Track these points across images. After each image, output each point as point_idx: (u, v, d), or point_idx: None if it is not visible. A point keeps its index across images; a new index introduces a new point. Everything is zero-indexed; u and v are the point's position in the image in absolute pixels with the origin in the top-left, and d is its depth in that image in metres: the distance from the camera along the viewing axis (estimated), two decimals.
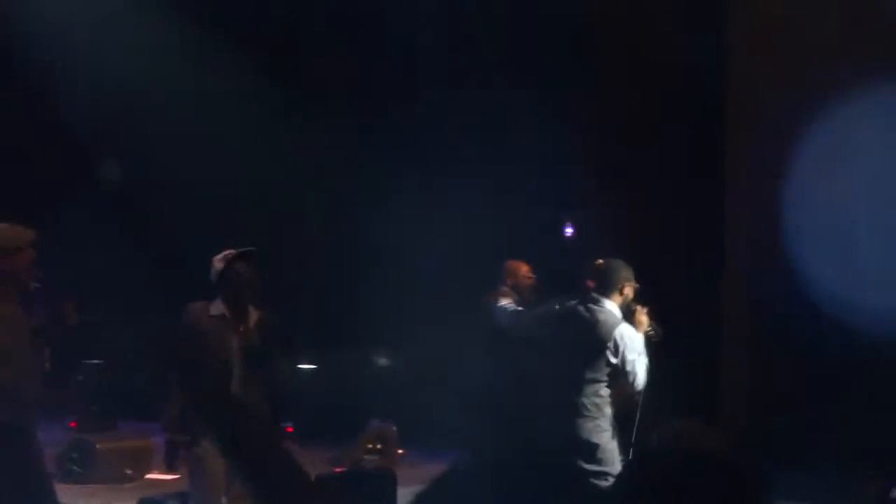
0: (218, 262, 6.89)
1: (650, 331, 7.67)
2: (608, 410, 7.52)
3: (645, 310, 7.66)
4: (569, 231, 15.18)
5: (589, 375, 7.50)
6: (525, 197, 14.57)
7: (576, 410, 7.46)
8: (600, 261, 8.29)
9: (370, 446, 12.44)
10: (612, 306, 7.57)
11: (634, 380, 7.48)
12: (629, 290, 7.64)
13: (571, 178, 14.20)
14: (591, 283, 7.85)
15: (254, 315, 6.88)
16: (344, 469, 10.96)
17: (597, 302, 7.59)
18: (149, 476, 11.40)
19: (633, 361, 7.47)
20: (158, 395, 6.85)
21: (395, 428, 12.68)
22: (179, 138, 15.11)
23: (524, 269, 9.11)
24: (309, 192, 15.99)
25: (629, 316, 7.63)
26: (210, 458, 6.59)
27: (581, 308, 7.63)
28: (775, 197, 12.31)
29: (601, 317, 7.53)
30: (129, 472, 11.18)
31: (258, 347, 6.85)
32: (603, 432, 7.46)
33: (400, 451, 12.72)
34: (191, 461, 6.80)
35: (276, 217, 15.73)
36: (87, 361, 14.74)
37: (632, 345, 7.51)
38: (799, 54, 12.47)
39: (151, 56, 14.93)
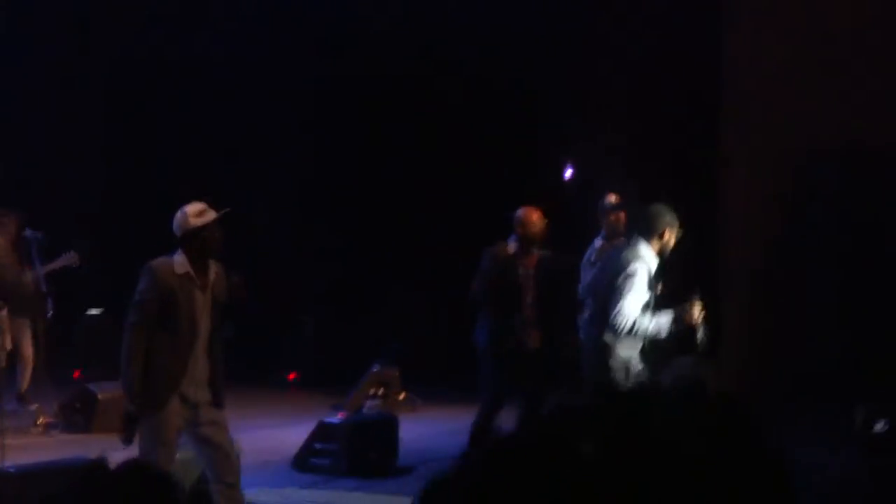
0: (194, 217, 6.62)
1: (698, 332, 7.70)
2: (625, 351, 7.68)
3: (698, 305, 7.68)
4: (568, 173, 15.12)
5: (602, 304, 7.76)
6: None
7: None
8: (612, 197, 8.37)
9: (372, 391, 12.46)
10: (645, 249, 7.66)
11: (619, 313, 7.55)
12: (669, 235, 7.72)
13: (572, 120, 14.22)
14: (612, 198, 8.12)
15: (213, 269, 6.74)
16: (346, 414, 10.96)
17: (632, 243, 7.78)
18: None
19: (624, 292, 7.54)
20: (125, 362, 6.63)
21: (397, 372, 12.69)
22: None
23: (536, 215, 9.03)
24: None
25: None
26: (167, 429, 6.55)
27: (614, 250, 8.05)
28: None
29: (623, 253, 7.74)
30: None
31: (221, 303, 6.73)
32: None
33: (402, 396, 12.74)
34: (145, 429, 6.59)
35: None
36: (90, 311, 14.76)
37: (634, 286, 7.57)
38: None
39: None
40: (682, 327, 7.63)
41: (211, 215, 6.65)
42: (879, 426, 7.41)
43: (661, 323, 7.59)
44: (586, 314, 8.62)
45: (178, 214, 6.68)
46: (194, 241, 6.61)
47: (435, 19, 14.50)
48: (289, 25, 15.29)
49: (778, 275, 12.72)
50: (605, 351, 7.71)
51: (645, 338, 7.65)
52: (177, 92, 15.77)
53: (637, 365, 7.70)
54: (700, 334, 7.72)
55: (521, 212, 9.05)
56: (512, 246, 9.04)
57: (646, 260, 7.66)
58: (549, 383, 9.02)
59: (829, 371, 12.02)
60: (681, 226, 7.79)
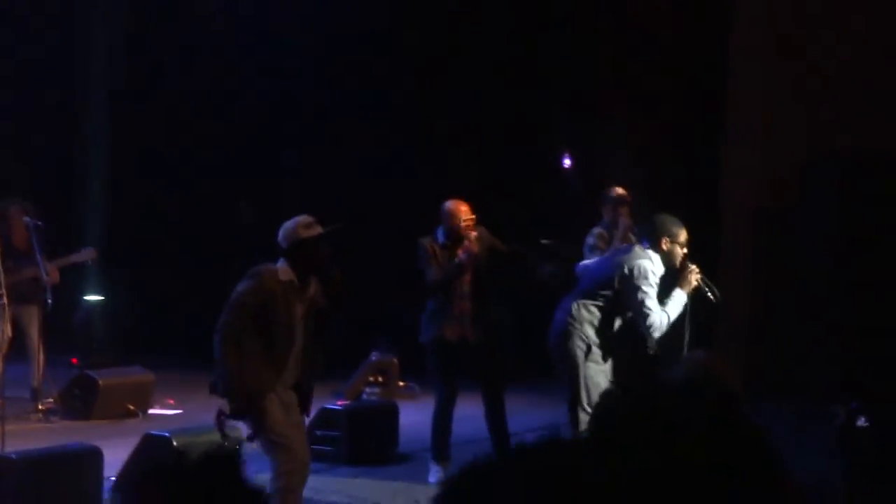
0: (303, 228, 6.75)
1: (706, 291, 8.05)
2: (587, 327, 8.05)
3: (695, 270, 7.97)
4: (567, 163, 15.12)
5: (591, 291, 8.15)
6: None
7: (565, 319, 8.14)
8: (620, 189, 8.51)
9: (371, 379, 12.47)
10: (652, 253, 8.01)
11: (640, 310, 7.88)
12: (669, 246, 7.99)
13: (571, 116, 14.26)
14: (619, 190, 8.27)
15: (313, 282, 6.88)
16: (346, 402, 10.98)
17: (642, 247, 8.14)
18: (151, 411, 11.45)
19: (640, 290, 7.85)
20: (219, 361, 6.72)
21: (396, 360, 12.70)
22: None
23: (463, 208, 8.96)
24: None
25: (678, 274, 8.02)
26: (273, 420, 6.67)
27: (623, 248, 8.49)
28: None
29: (624, 252, 8.20)
30: (131, 407, 11.21)
31: (320, 314, 6.88)
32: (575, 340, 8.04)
33: (401, 384, 12.75)
34: (253, 428, 6.74)
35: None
36: (88, 298, 14.75)
37: (641, 275, 7.86)
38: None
39: None
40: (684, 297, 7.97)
41: (318, 229, 6.73)
42: (860, 422, 7.47)
43: (671, 311, 7.92)
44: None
45: (289, 224, 6.82)
46: (300, 252, 6.74)
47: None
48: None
49: (776, 272, 12.83)
50: (578, 341, 8.07)
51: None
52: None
53: (595, 344, 8.06)
54: (708, 292, 8.05)
55: (449, 204, 8.98)
56: (440, 238, 8.98)
57: (653, 261, 7.94)
58: (494, 372, 9.06)
59: (820, 371, 12.14)
60: (687, 239, 8.05)
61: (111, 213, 16.01)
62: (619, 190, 10.08)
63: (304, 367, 6.87)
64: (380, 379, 12.51)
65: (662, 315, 7.87)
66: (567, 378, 8.15)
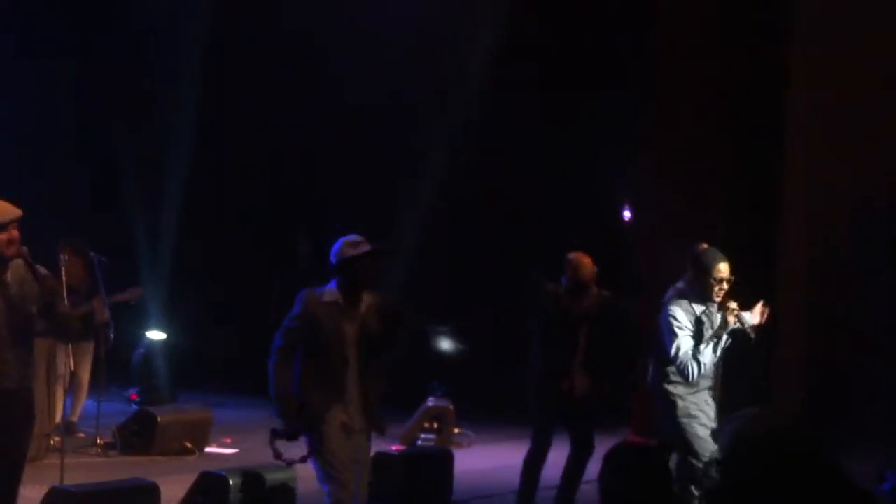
0: (349, 248, 6.78)
1: (744, 327, 7.88)
2: (668, 387, 7.95)
3: (731, 308, 7.83)
4: (627, 215, 15.13)
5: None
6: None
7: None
8: (704, 245, 8.53)
9: (426, 425, 12.48)
10: (688, 291, 7.95)
11: (674, 354, 7.83)
12: (703, 281, 7.91)
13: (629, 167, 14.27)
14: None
15: (366, 300, 6.87)
16: (401, 447, 10.99)
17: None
18: (208, 449, 11.51)
19: (668, 336, 7.83)
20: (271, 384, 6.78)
21: (451, 406, 12.69)
22: None
23: (586, 260, 9.03)
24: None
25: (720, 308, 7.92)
26: (333, 438, 6.68)
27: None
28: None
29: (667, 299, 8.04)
30: (188, 444, 11.28)
31: (373, 334, 6.85)
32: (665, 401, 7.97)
33: (456, 430, 12.74)
34: (310, 450, 6.77)
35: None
36: (149, 334, 14.90)
37: (667, 323, 7.86)
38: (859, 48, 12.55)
39: None
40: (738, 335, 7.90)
41: (365, 247, 6.77)
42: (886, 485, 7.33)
43: (705, 354, 7.82)
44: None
45: (337, 244, 6.85)
46: (347, 270, 6.76)
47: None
48: None
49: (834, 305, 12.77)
50: (666, 399, 7.99)
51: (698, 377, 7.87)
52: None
53: (697, 411, 7.92)
54: (746, 327, 7.91)
55: (573, 255, 9.02)
56: (564, 288, 9.00)
57: (682, 301, 7.89)
58: (592, 426, 9.03)
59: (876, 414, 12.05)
60: (731, 272, 7.94)
61: (175, 251, 16.17)
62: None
63: (365, 389, 6.85)
64: (435, 425, 12.51)
65: (687, 357, 7.79)
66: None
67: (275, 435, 6.80)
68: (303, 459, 6.88)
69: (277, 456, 6.87)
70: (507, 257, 14.65)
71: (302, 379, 6.73)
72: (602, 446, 9.36)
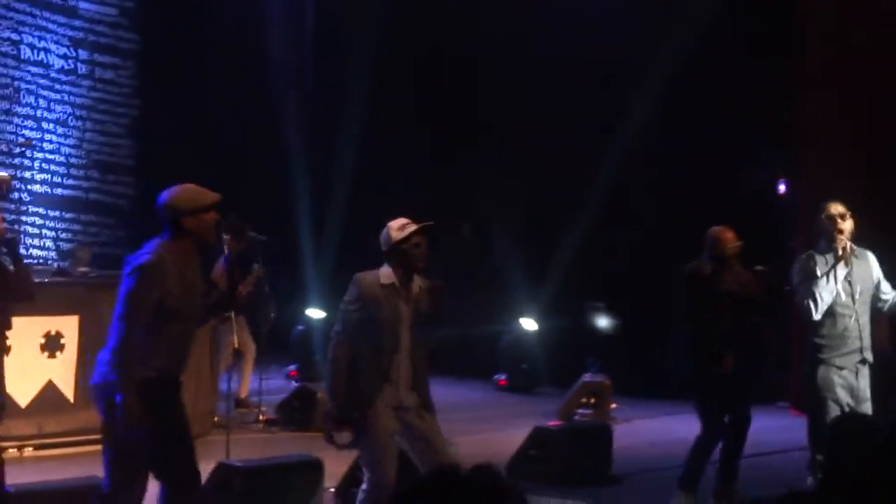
0: (395, 230, 6.79)
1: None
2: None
3: (841, 243, 8.10)
4: (782, 188, 14.87)
5: None
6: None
7: None
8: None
9: (584, 400, 12.45)
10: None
11: (796, 294, 8.21)
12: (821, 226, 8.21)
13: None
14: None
15: (417, 282, 6.86)
16: (559, 423, 10.98)
17: None
18: None
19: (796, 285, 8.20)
20: (328, 367, 6.83)
21: (608, 382, 12.64)
22: None
23: (729, 235, 8.76)
24: None
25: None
26: (375, 430, 6.65)
27: None
28: None
29: None
30: None
31: (425, 314, 6.84)
32: None
33: (613, 406, 12.68)
34: (357, 432, 6.71)
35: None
36: (308, 312, 15.13)
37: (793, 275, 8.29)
38: None
39: None
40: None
41: (411, 228, 6.79)
42: None
43: (821, 286, 8.08)
44: None
45: (384, 229, 6.87)
46: (397, 254, 6.78)
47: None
48: None
49: None
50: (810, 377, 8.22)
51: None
52: None
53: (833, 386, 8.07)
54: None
55: (713, 231, 8.79)
56: (707, 266, 8.77)
57: (816, 253, 8.21)
58: (747, 401, 8.87)
59: None
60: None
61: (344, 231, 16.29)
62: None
63: (416, 368, 6.80)
64: (592, 400, 12.47)
65: (807, 293, 8.09)
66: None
67: (328, 419, 6.82)
68: (353, 443, 6.85)
69: (329, 440, 6.85)
70: (661, 235, 14.50)
71: (353, 363, 6.73)
72: (759, 420, 9.30)
